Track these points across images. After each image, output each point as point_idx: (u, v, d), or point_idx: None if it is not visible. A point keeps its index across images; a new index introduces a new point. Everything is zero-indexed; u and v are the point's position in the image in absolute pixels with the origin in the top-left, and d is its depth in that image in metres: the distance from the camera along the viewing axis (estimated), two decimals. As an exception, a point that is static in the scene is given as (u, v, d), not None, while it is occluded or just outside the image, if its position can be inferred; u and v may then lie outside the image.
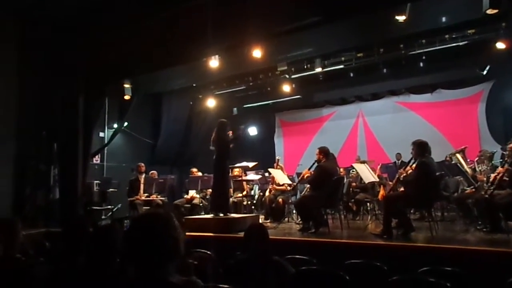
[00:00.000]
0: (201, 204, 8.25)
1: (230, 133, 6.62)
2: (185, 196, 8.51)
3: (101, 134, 10.29)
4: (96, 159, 9.99)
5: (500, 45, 8.31)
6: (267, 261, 2.47)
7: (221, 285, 1.94)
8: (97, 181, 8.72)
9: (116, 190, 8.54)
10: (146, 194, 7.79)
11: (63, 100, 7.62)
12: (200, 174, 9.00)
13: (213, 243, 5.18)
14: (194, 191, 8.41)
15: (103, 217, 8.76)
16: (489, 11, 6.45)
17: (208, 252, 3.59)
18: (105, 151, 10.31)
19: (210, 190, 7.38)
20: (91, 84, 7.67)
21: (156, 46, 6.87)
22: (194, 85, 11.35)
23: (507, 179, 5.07)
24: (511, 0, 5.90)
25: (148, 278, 1.29)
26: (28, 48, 7.43)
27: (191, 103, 12.41)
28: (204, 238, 5.62)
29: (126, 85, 9.47)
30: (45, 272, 2.08)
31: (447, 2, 7.01)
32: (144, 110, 11.33)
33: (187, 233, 5.59)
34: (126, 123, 10.26)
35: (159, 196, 7.92)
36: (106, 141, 10.20)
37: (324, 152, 6.19)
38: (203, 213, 8.10)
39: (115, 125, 10.26)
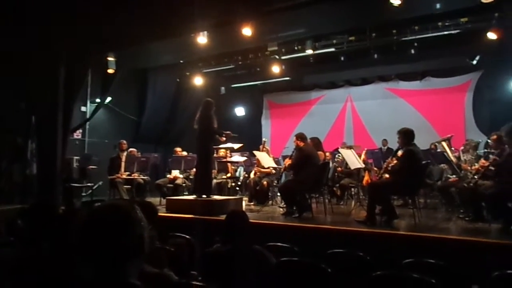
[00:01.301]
0: (184, 185, 8.12)
1: (229, 133, 6.48)
2: (168, 175, 8.36)
3: (83, 109, 9.98)
4: (77, 134, 9.72)
5: (492, 35, 8.24)
6: (247, 251, 2.37)
7: (195, 283, 1.82)
8: (77, 157, 8.49)
9: (96, 167, 8.34)
10: (127, 173, 7.60)
11: (42, 70, 7.28)
12: (184, 153, 8.85)
13: (194, 225, 5.09)
14: (178, 171, 8.27)
15: (83, 194, 8.59)
16: (484, 0, 6.35)
17: (187, 237, 3.49)
18: (87, 126, 10.03)
19: (194, 170, 7.25)
20: (73, 54, 7.35)
21: (141, 18, 6.58)
22: (181, 61, 11.05)
23: (493, 169, 5.06)
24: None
25: (106, 279, 1.12)
26: (5, 16, 7.04)
27: (178, 80, 12.13)
28: (185, 220, 5.52)
29: (110, 58, 9.16)
30: (9, 256, 1.93)
31: (443, -13, 6.88)
32: (128, 85, 11.02)
33: (168, 214, 5.47)
34: (109, 98, 9.97)
35: (140, 175, 7.75)
36: (88, 116, 9.91)
37: (300, 137, 6.16)
38: (186, 193, 7.99)
39: (98, 100, 9.94)
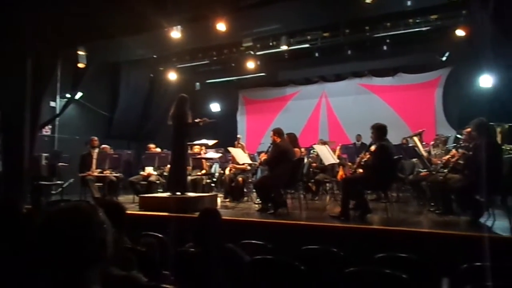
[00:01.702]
0: (158, 182, 7.99)
1: (204, 119, 6.37)
2: (141, 172, 8.21)
3: (52, 104, 9.67)
4: (46, 131, 9.41)
5: (460, 32, 8.47)
6: (220, 250, 2.33)
7: (164, 285, 1.77)
8: (46, 154, 8.21)
9: (67, 164, 8.09)
10: (99, 170, 7.41)
11: (8, 63, 6.99)
12: (158, 150, 8.71)
13: (168, 223, 5.01)
14: (151, 168, 8.13)
15: (53, 192, 8.33)
16: (453, -3, 6.49)
17: (160, 236, 3.42)
18: (56, 122, 9.72)
19: (168, 167, 7.14)
20: (41, 47, 7.08)
21: (112, 11, 6.40)
22: (154, 56, 10.86)
23: (461, 162, 5.19)
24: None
25: (64, 286, 1.06)
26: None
27: (151, 75, 11.93)
28: (159, 218, 5.43)
29: (81, 52, 8.90)
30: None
31: (414, -15, 7.01)
32: (100, 80, 10.76)
33: (141, 212, 5.35)
34: (80, 93, 9.69)
35: (113, 172, 7.57)
36: (57, 111, 9.60)
37: (277, 132, 6.13)
38: (161, 190, 7.86)
39: (68, 95, 9.65)
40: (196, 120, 6.34)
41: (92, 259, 1.11)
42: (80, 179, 7.34)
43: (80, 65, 9.02)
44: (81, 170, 7.36)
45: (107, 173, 7.42)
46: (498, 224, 4.43)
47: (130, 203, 7.08)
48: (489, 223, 4.54)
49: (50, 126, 9.49)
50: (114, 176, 7.50)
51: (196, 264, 2.34)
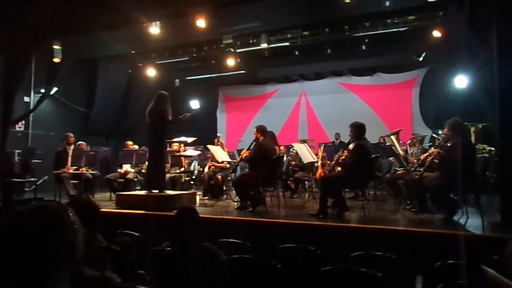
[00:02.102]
0: (135, 179, 7.88)
1: (185, 114, 6.29)
2: (119, 170, 8.07)
3: (26, 99, 9.39)
4: (19, 126, 9.14)
5: (436, 33, 8.64)
6: (197, 249, 2.31)
7: (139, 286, 1.74)
8: (19, 151, 7.99)
9: (41, 161, 7.88)
10: (74, 167, 7.24)
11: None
12: (136, 147, 8.59)
13: (145, 222, 4.94)
14: (129, 165, 8.00)
15: (26, 189, 8.12)
16: (430, -1, 6.61)
17: (137, 234, 3.37)
18: (30, 118, 9.44)
19: (146, 164, 7.04)
20: (14, 41, 6.87)
21: (90, 5, 6.26)
22: (133, 52, 10.67)
23: (437, 161, 5.30)
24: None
25: None
26: None
27: (129, 71, 11.73)
28: (136, 216, 5.36)
29: (56, 47, 8.66)
30: None
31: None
32: (77, 75, 10.50)
33: (118, 210, 5.26)
34: (55, 89, 9.43)
35: (89, 170, 7.41)
36: (31, 107, 9.33)
37: (261, 130, 6.10)
38: (139, 188, 7.76)
39: (43, 90, 9.38)
40: (179, 117, 6.27)
41: (60, 260, 1.08)
42: (54, 176, 7.16)
43: (56, 60, 8.78)
44: (55, 167, 7.18)
45: (83, 170, 7.27)
46: (471, 222, 4.54)
47: (106, 201, 6.96)
48: (462, 221, 4.65)
49: (23, 122, 9.21)
50: (90, 173, 7.35)
51: (173, 263, 2.31)
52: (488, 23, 5.06)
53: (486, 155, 5.91)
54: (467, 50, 6.93)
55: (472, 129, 6.65)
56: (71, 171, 7.15)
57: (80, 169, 7.24)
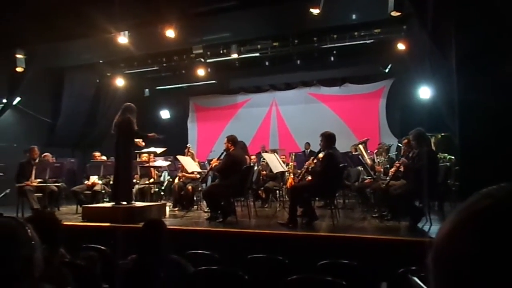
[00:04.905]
0: (103, 191, 7.70)
1: (153, 135, 6.24)
2: (86, 182, 7.87)
3: (-13, 109, 9.04)
4: (-20, 138, 8.78)
5: (401, 46, 8.95)
6: (164, 262, 2.28)
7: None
8: (-21, 164, 7.66)
9: (2, 174, 7.58)
10: (38, 180, 7.00)
11: None
12: (104, 158, 8.40)
13: (113, 234, 4.84)
14: (96, 176, 7.82)
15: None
16: (393, 13, 6.86)
17: (103, 248, 3.29)
18: (-9, 129, 9.09)
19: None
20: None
21: (55, 14, 6.13)
22: (101, 61, 10.49)
23: (401, 170, 5.46)
24: (413, 5, 6.30)
25: None
26: None
27: (97, 80, 11.50)
28: (102, 229, 5.23)
29: (19, 56, 8.39)
30: None
31: (357, 0, 7.33)
32: (41, 85, 10.18)
33: (84, 223, 5.13)
34: (18, 99, 9.12)
35: (55, 182, 7.19)
36: (-8, 118, 8.98)
37: (232, 140, 6.11)
38: (107, 200, 7.58)
39: (4, 100, 9.05)
40: (148, 134, 6.21)
41: (16, 278, 1.05)
42: (17, 189, 6.90)
43: (19, 69, 8.50)
44: (18, 180, 6.92)
45: (48, 182, 7.03)
46: (434, 228, 4.69)
47: (73, 214, 6.77)
48: (426, 227, 4.80)
49: (-17, 133, 8.85)
50: (56, 185, 7.13)
51: (138, 277, 2.27)
52: (448, 36, 5.30)
53: (447, 163, 6.13)
54: (429, 62, 7.24)
55: (433, 139, 6.90)
56: (35, 183, 6.91)
57: (45, 182, 7.01)
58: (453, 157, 6.43)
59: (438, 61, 6.48)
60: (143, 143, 6.29)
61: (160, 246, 2.35)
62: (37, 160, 7.19)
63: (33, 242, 1.09)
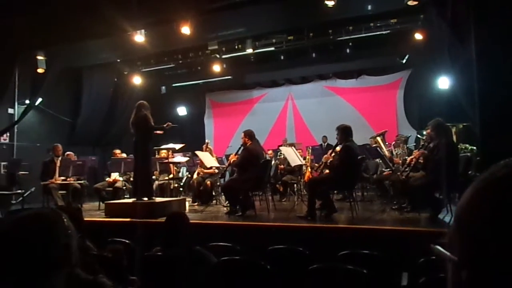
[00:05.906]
0: (124, 188, 7.85)
1: (168, 124, 6.32)
2: (107, 179, 8.04)
3: (10, 111, 9.28)
4: (4, 138, 9.03)
5: (418, 36, 8.81)
6: (187, 253, 2.34)
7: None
8: (5, 163, 7.90)
9: (27, 172, 7.80)
10: (62, 178, 7.19)
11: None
12: (124, 155, 8.56)
13: (135, 229, 4.94)
14: (117, 173, 7.98)
15: (13, 202, 8.03)
16: (410, 3, 6.77)
17: (127, 241, 3.38)
18: (15, 130, 9.34)
19: (134, 173, 7.02)
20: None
21: (74, 15, 6.26)
22: (118, 60, 10.65)
23: (421, 161, 5.41)
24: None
25: None
26: None
27: (115, 79, 11.68)
28: (125, 224, 5.35)
29: (40, 57, 8.59)
30: None
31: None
32: (62, 85, 10.40)
33: (107, 219, 5.27)
34: (40, 99, 9.36)
35: (78, 180, 7.37)
36: (15, 119, 9.23)
37: (249, 135, 6.16)
38: (127, 196, 7.73)
39: (27, 101, 9.29)
40: (163, 125, 6.31)
41: (57, 264, 1.11)
42: (42, 187, 7.10)
43: (40, 70, 8.71)
44: (43, 178, 7.13)
45: (71, 180, 7.22)
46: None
47: (95, 210, 6.93)
48: (447, 219, 4.75)
49: (8, 134, 9.11)
50: (78, 183, 7.31)
51: (163, 268, 2.34)
52: (467, 26, 5.21)
53: (468, 154, 6.05)
54: (448, 52, 7.11)
55: (454, 129, 6.80)
56: (59, 181, 7.10)
57: (68, 179, 7.20)
58: (474, 148, 6.34)
59: (457, 51, 6.37)
60: (160, 132, 6.37)
61: (183, 237, 2.41)
62: (60, 157, 7.38)
63: (69, 231, 1.16)
